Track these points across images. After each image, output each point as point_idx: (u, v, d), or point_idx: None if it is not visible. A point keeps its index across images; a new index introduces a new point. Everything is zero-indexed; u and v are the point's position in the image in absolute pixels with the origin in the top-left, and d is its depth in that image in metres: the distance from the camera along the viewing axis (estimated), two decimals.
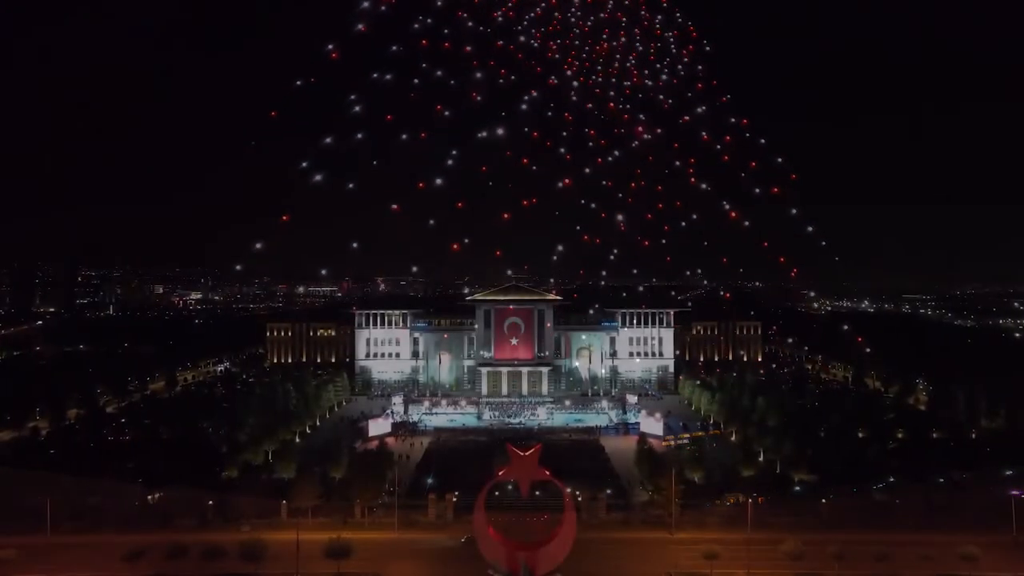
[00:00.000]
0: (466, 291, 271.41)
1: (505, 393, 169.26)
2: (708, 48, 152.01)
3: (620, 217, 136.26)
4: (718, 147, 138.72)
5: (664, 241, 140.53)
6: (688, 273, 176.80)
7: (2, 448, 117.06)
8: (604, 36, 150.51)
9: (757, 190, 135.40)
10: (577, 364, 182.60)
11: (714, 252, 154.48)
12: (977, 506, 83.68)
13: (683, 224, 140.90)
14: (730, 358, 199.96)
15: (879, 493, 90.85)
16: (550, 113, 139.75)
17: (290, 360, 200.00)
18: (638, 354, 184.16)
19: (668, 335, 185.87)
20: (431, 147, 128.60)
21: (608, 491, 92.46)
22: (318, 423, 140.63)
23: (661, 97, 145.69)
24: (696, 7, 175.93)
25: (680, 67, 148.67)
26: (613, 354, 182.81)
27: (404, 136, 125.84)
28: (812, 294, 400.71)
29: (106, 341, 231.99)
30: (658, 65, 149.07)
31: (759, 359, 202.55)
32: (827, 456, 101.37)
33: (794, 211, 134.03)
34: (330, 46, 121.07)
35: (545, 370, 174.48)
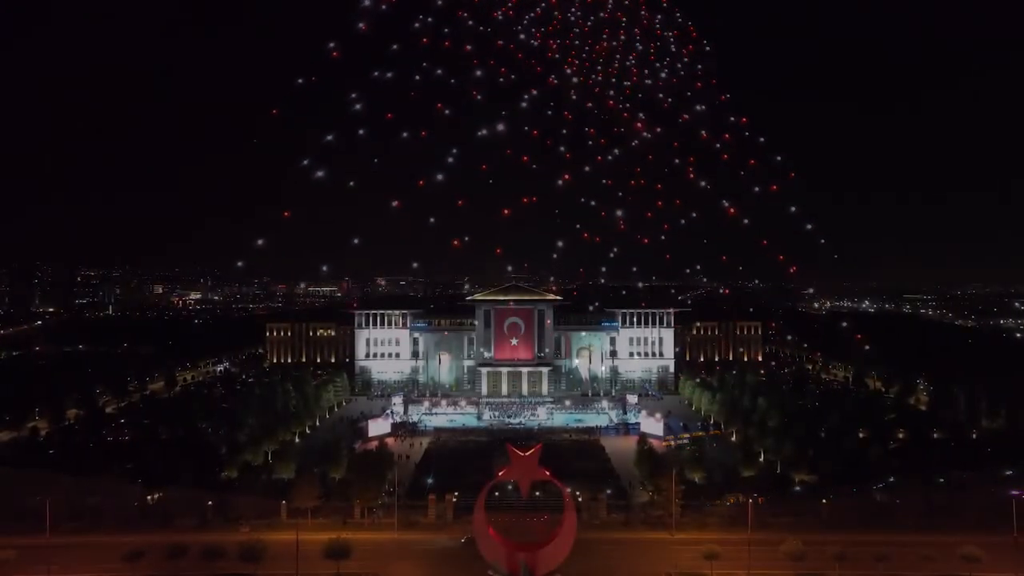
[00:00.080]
0: (466, 291, 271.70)
1: (505, 393, 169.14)
2: (708, 48, 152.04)
3: (619, 212, 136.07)
4: (717, 146, 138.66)
5: (663, 237, 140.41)
6: (688, 271, 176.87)
7: (1, 448, 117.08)
8: (604, 36, 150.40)
9: (756, 188, 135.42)
10: (577, 364, 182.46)
11: (714, 250, 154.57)
12: (978, 506, 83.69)
13: (683, 222, 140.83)
14: (730, 358, 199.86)
15: (880, 493, 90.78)
16: (550, 112, 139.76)
17: (290, 360, 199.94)
18: (638, 354, 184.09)
19: (668, 335, 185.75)
20: (431, 145, 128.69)
21: (608, 491, 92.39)
22: (318, 423, 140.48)
23: (661, 96, 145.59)
24: (696, 7, 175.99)
25: (680, 66, 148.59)
26: (613, 354, 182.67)
27: (405, 134, 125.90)
28: (811, 291, 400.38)
29: (105, 341, 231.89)
30: (658, 64, 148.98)
31: (759, 359, 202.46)
32: (828, 456, 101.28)
33: (793, 209, 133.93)
34: (331, 45, 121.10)
35: (545, 370, 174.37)
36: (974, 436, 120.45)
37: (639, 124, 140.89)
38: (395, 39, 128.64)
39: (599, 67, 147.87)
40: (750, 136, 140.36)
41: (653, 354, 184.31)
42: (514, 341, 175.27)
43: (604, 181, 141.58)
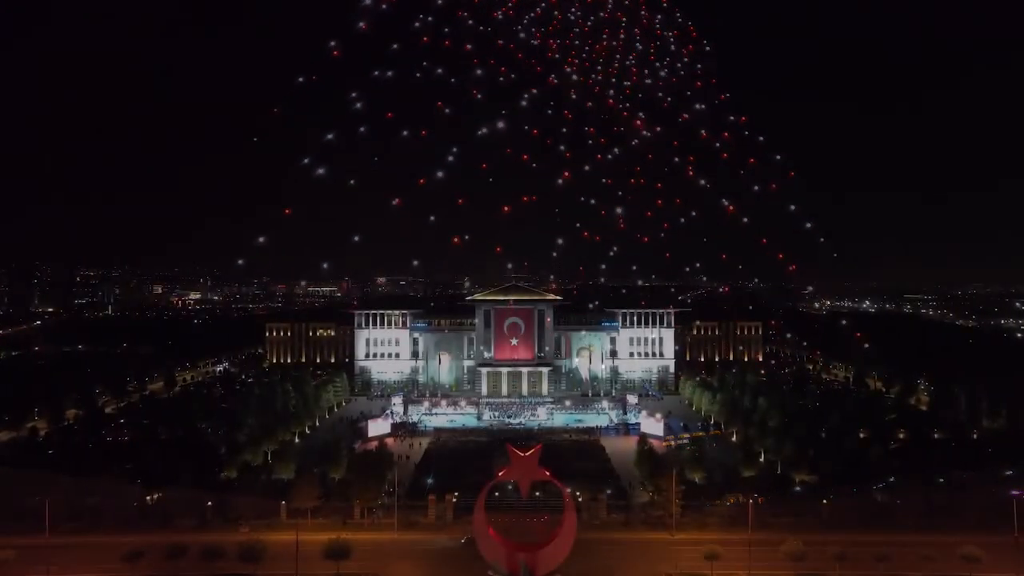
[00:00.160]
0: (466, 290, 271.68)
1: (505, 393, 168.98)
2: (708, 48, 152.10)
3: (619, 211, 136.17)
4: (717, 145, 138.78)
5: (663, 235, 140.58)
6: (687, 270, 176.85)
7: (1, 448, 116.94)
8: (604, 36, 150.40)
9: (756, 188, 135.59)
10: (577, 364, 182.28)
11: (713, 249, 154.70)
12: (978, 507, 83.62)
13: (682, 221, 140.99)
14: (731, 358, 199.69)
15: (880, 493, 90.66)
16: (550, 111, 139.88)
17: (289, 360, 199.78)
18: (638, 354, 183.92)
19: (668, 335, 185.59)
20: (432, 144, 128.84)
21: (608, 492, 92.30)
22: (317, 423, 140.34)
23: (660, 95, 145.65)
24: (696, 7, 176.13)
25: (680, 66, 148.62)
26: (613, 354, 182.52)
27: (405, 133, 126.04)
28: (811, 289, 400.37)
29: (105, 341, 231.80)
30: (658, 64, 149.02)
31: (760, 359, 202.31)
32: (828, 456, 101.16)
33: (792, 208, 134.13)
34: (332, 44, 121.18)
35: (545, 370, 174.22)
36: (975, 436, 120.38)
37: (639, 123, 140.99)
38: (395, 38, 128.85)
39: (599, 66, 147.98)
40: (750, 135, 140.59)
41: (653, 354, 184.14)
42: (514, 341, 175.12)
43: (604, 180, 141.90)
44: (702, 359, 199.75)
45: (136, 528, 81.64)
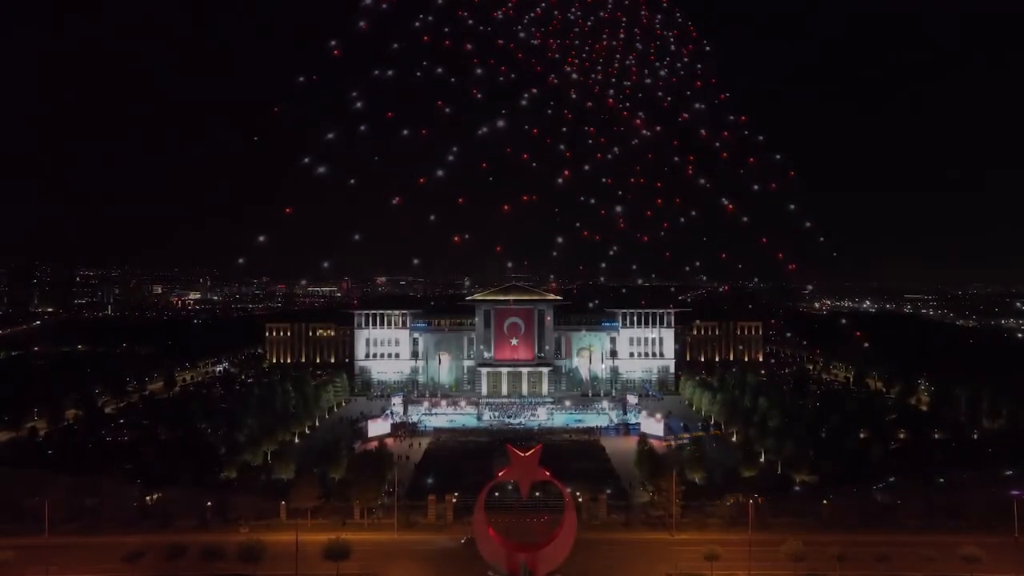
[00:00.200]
0: (466, 290, 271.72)
1: (505, 393, 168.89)
2: (707, 48, 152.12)
3: (619, 209, 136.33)
4: (717, 144, 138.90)
5: (663, 234, 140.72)
6: (687, 269, 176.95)
7: (1, 448, 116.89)
8: (604, 35, 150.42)
9: (756, 187, 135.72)
10: (577, 364, 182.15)
11: (713, 248, 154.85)
12: (979, 507, 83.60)
13: (682, 220, 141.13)
14: (731, 358, 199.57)
15: (880, 494, 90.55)
16: (550, 111, 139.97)
17: (289, 360, 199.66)
18: (638, 354, 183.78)
19: (669, 335, 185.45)
20: (432, 143, 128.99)
21: (608, 492, 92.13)
22: (317, 424, 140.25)
23: (660, 95, 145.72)
24: (696, 7, 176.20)
25: (679, 65, 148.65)
26: (613, 354, 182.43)
27: (405, 132, 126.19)
28: (811, 287, 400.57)
29: (104, 341, 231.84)
30: (657, 64, 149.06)
31: (760, 359, 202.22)
32: (828, 457, 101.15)
33: (792, 207, 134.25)
34: (332, 43, 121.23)
35: (545, 370, 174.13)
36: (975, 436, 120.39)
37: (638, 122, 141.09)
38: (396, 38, 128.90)
39: (599, 66, 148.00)
40: (749, 135, 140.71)
41: (653, 354, 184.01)
42: (514, 341, 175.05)
43: (604, 179, 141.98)
44: (702, 359, 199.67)
45: (136, 528, 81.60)
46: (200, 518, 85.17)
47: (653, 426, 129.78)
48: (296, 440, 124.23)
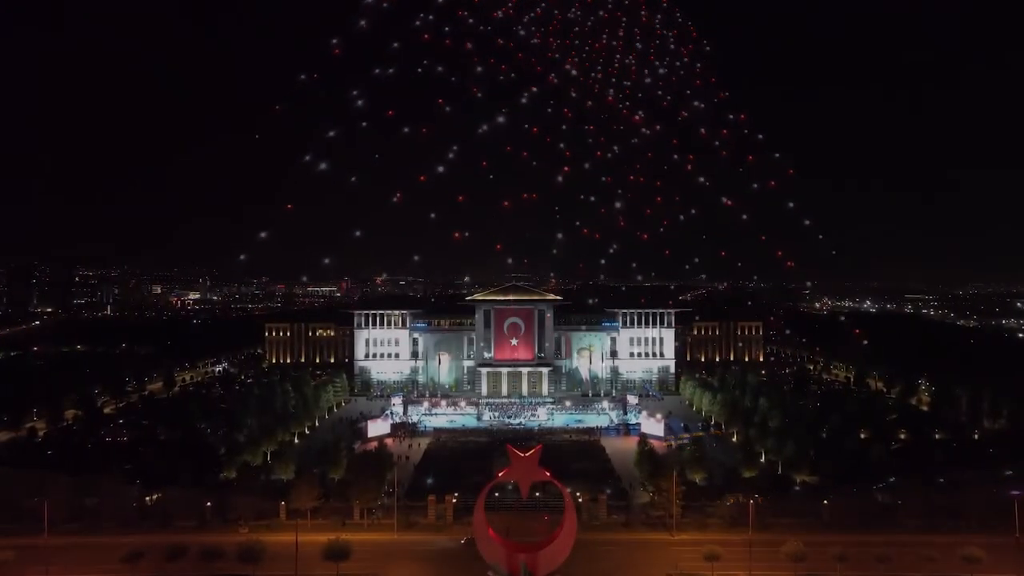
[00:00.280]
0: (466, 288, 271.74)
1: (505, 394, 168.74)
2: (707, 47, 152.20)
3: (618, 205, 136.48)
4: (716, 143, 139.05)
5: (662, 232, 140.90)
6: (687, 267, 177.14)
7: (0, 448, 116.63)
8: (604, 34, 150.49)
9: (755, 185, 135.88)
10: (577, 364, 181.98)
11: (712, 246, 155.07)
12: (979, 507, 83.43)
13: (682, 218, 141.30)
14: (731, 358, 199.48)
15: (881, 494, 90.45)
16: (550, 109, 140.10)
17: (289, 360, 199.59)
18: (639, 354, 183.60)
19: (669, 335, 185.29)
20: (432, 141, 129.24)
21: (609, 492, 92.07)
22: (317, 424, 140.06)
23: (660, 93, 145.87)
24: (696, 7, 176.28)
25: (679, 64, 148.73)
26: (614, 354, 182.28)
27: (406, 130, 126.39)
28: (810, 285, 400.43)
29: (104, 341, 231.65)
30: (657, 63, 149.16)
31: (760, 359, 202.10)
32: (829, 457, 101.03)
33: (791, 205, 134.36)
34: (333, 42, 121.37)
35: (545, 370, 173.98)
36: (975, 436, 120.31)
37: (638, 121, 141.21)
38: (396, 37, 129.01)
39: (599, 65, 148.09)
40: (749, 133, 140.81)
41: (653, 354, 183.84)
42: (514, 341, 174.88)
43: (604, 178, 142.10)
44: (702, 359, 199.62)
45: (135, 529, 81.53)
46: (200, 518, 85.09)
47: (653, 426, 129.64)
48: (296, 440, 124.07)
